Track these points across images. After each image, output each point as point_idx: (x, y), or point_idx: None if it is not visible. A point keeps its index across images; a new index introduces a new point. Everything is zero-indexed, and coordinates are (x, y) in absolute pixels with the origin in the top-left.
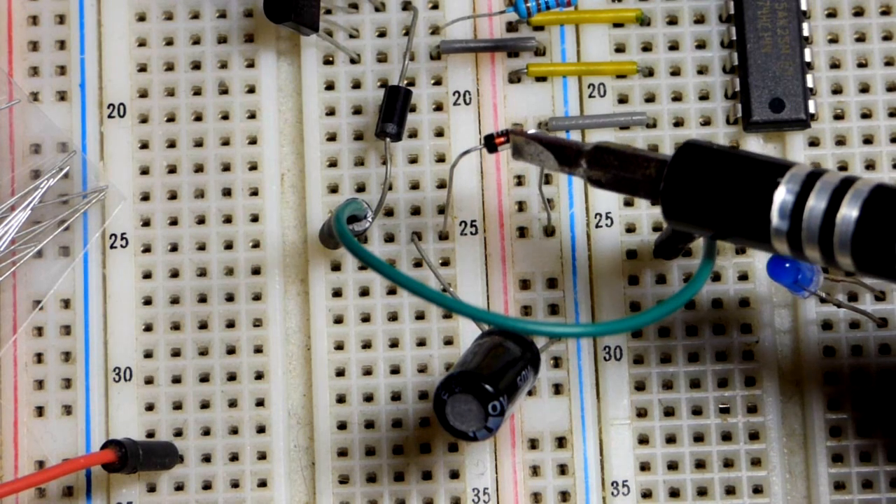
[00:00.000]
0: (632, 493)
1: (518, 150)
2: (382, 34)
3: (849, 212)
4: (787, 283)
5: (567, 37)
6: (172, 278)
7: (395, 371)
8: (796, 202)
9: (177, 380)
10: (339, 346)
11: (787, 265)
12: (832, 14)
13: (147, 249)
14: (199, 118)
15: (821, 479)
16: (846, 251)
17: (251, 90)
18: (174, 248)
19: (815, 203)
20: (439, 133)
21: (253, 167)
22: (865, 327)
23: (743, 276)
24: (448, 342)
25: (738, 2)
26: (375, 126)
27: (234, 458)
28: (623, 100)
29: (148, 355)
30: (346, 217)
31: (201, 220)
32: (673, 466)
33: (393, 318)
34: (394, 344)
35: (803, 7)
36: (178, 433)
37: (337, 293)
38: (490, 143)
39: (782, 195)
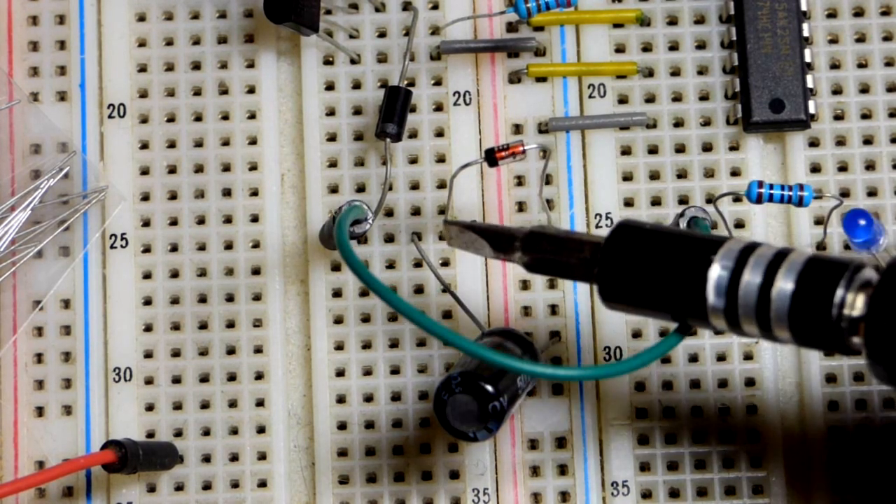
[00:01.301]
0: (632, 493)
1: (452, 238)
2: (382, 34)
3: (784, 285)
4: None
5: (567, 37)
6: (172, 278)
7: (395, 371)
8: (731, 278)
9: (177, 380)
10: (339, 347)
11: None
12: (832, 14)
13: (147, 250)
14: (199, 118)
15: (820, 479)
16: (783, 324)
17: (251, 90)
18: (174, 249)
19: (751, 278)
20: (439, 133)
21: (253, 167)
22: None
23: None
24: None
25: (739, 2)
26: (375, 126)
27: (234, 458)
28: (623, 100)
29: (148, 355)
30: (348, 224)
31: (201, 221)
32: (673, 466)
33: (393, 318)
34: (394, 344)
35: (803, 7)
36: (178, 433)
37: (337, 293)
38: (490, 158)
39: (717, 272)
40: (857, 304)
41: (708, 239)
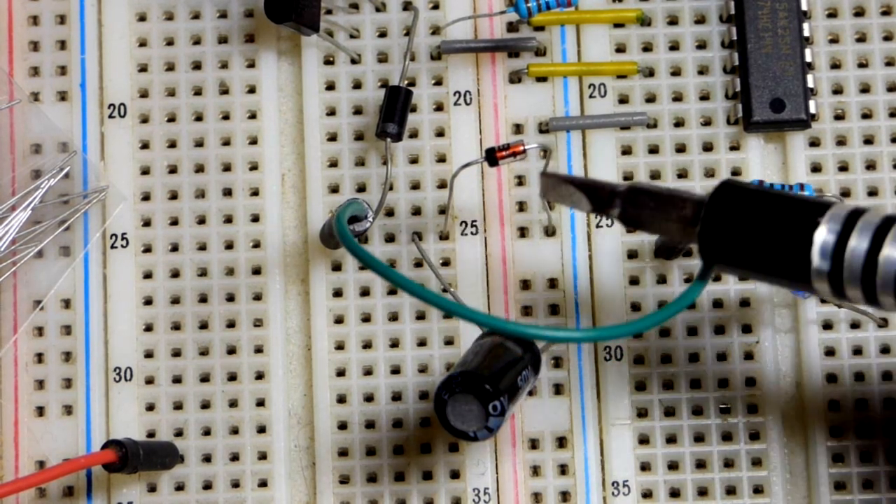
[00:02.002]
0: (632, 493)
1: (548, 190)
2: (383, 34)
3: (891, 252)
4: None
5: (567, 37)
6: (173, 278)
7: (396, 371)
8: (837, 242)
9: (177, 380)
10: (340, 346)
11: None
12: (833, 14)
13: (147, 249)
14: (199, 118)
15: (821, 479)
16: (889, 291)
17: (252, 90)
18: (175, 248)
19: (857, 243)
20: (440, 133)
21: (253, 167)
22: (865, 327)
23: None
24: (448, 342)
25: (739, 2)
26: (376, 126)
27: (235, 458)
28: (624, 100)
29: (148, 355)
30: (347, 218)
31: (202, 221)
32: (673, 466)
33: (393, 318)
34: (394, 344)
35: (804, 7)
36: (179, 433)
37: (337, 293)
38: (491, 157)
39: (823, 235)
40: None
41: (814, 201)
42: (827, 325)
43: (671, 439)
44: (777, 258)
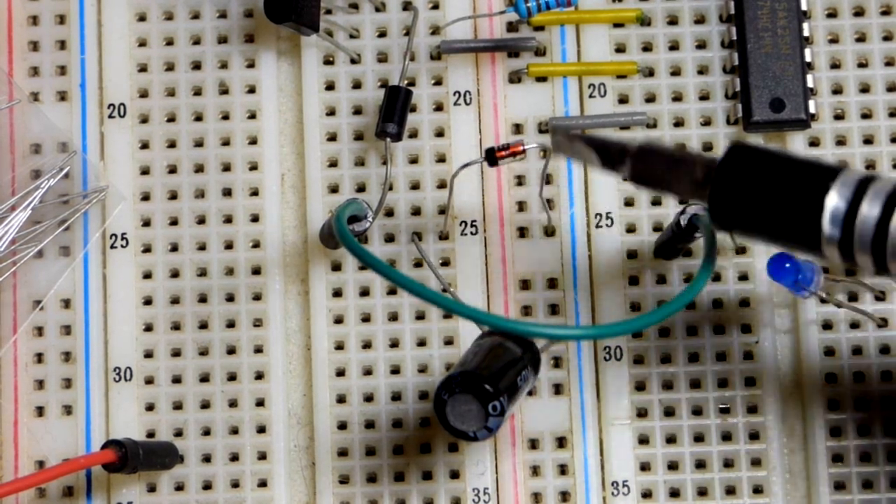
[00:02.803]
0: (632, 493)
1: (560, 146)
2: (383, 34)
3: None
4: (787, 283)
5: (567, 37)
6: (173, 278)
7: (396, 371)
8: (848, 209)
9: (177, 380)
10: (340, 346)
11: (788, 265)
12: (832, 14)
13: (147, 249)
14: (199, 118)
15: (821, 478)
16: None
17: (251, 90)
18: (174, 248)
19: (869, 210)
20: (439, 133)
21: (253, 167)
22: (865, 327)
23: (743, 277)
24: (448, 342)
25: (739, 2)
26: (376, 126)
27: (235, 458)
28: (623, 100)
29: (148, 355)
30: (346, 217)
31: (201, 220)
32: (673, 466)
33: (393, 318)
34: (394, 344)
35: (803, 7)
36: (179, 433)
37: (337, 293)
38: (491, 157)
39: (834, 201)
40: None
41: (826, 167)
42: (827, 326)
43: (671, 439)
44: (787, 223)
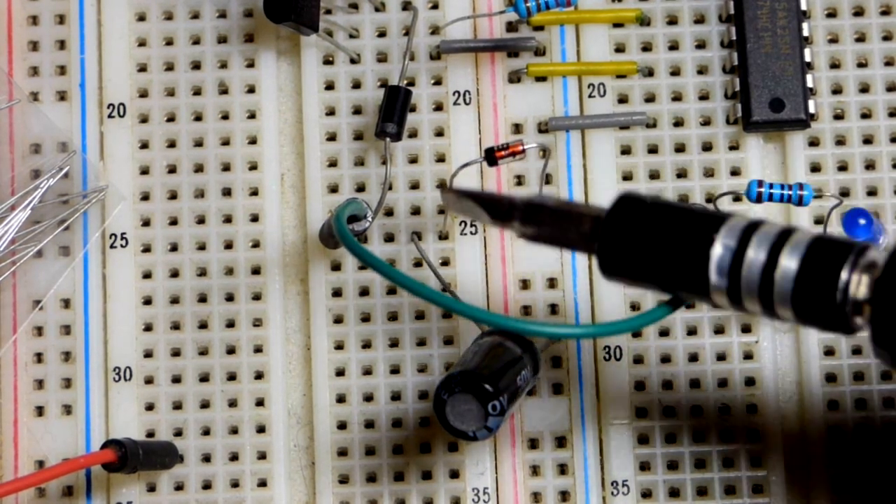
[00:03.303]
0: (632, 492)
1: (449, 204)
2: (382, 34)
3: (788, 264)
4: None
5: (567, 37)
6: (172, 278)
7: (395, 371)
8: (734, 258)
9: (177, 379)
10: (339, 346)
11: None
12: (832, 14)
13: (147, 249)
14: (199, 118)
15: (821, 478)
16: (786, 304)
17: (251, 90)
18: (174, 248)
19: (754, 257)
20: (439, 133)
21: (253, 167)
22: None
23: None
24: (448, 342)
25: (738, 2)
26: (375, 126)
27: (234, 457)
28: (623, 100)
29: (148, 355)
30: (346, 217)
31: (201, 220)
32: (673, 466)
33: (393, 317)
34: (394, 343)
35: (803, 7)
36: (178, 433)
37: (337, 293)
38: (490, 157)
39: (719, 251)
40: (861, 286)
41: (710, 215)
42: None
43: (670, 439)
44: (676, 274)
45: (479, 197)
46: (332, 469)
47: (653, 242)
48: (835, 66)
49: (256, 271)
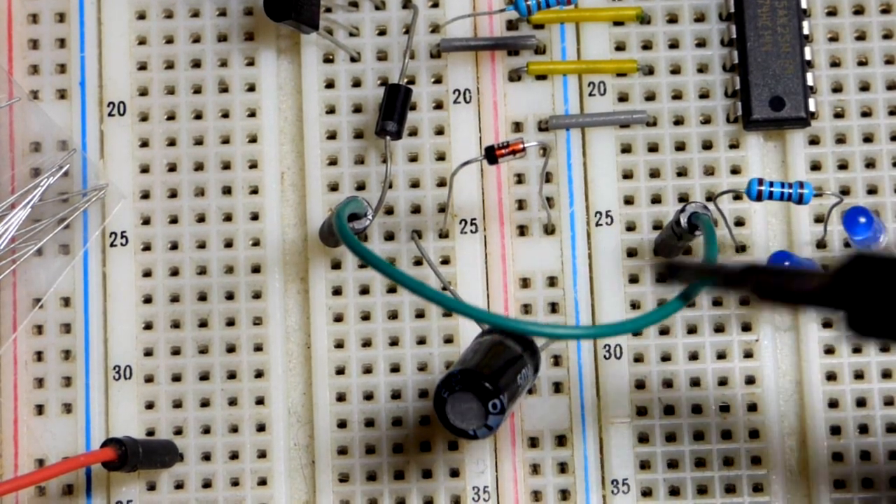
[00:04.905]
0: (632, 491)
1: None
2: (382, 32)
3: None
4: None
5: (567, 35)
6: (172, 276)
7: (396, 369)
8: None
9: (177, 378)
10: (339, 345)
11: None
12: (832, 12)
13: (147, 247)
14: (199, 116)
15: (821, 477)
16: None
17: (251, 88)
18: (174, 247)
19: None
20: (439, 131)
21: (253, 165)
22: None
23: None
24: (448, 340)
25: (739, 0)
26: (375, 124)
27: (234, 456)
28: (623, 98)
29: (148, 353)
30: (346, 215)
31: (201, 219)
32: (673, 465)
33: (393, 316)
34: (394, 342)
35: (803, 5)
36: (178, 431)
37: (337, 291)
38: (491, 155)
39: None
40: None
41: None
42: (827, 324)
43: (671, 437)
44: None
45: (708, 271)
46: (332, 467)
47: None
48: (835, 64)
49: (256, 270)
